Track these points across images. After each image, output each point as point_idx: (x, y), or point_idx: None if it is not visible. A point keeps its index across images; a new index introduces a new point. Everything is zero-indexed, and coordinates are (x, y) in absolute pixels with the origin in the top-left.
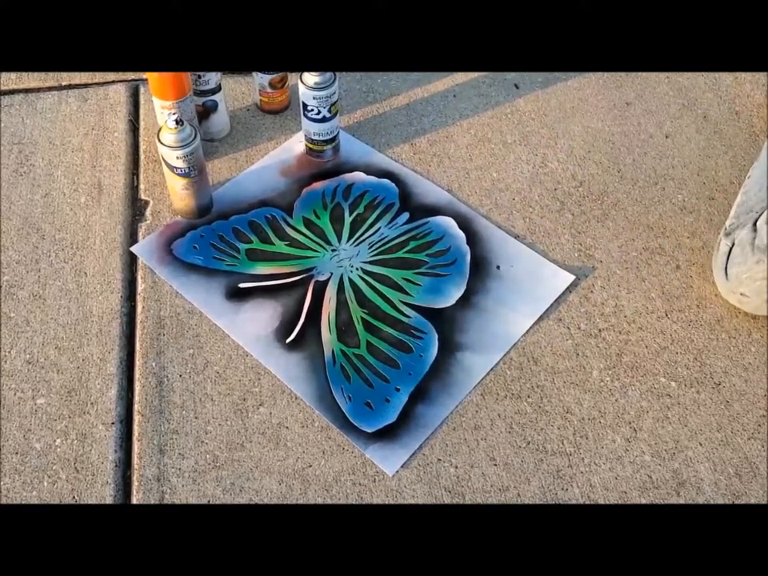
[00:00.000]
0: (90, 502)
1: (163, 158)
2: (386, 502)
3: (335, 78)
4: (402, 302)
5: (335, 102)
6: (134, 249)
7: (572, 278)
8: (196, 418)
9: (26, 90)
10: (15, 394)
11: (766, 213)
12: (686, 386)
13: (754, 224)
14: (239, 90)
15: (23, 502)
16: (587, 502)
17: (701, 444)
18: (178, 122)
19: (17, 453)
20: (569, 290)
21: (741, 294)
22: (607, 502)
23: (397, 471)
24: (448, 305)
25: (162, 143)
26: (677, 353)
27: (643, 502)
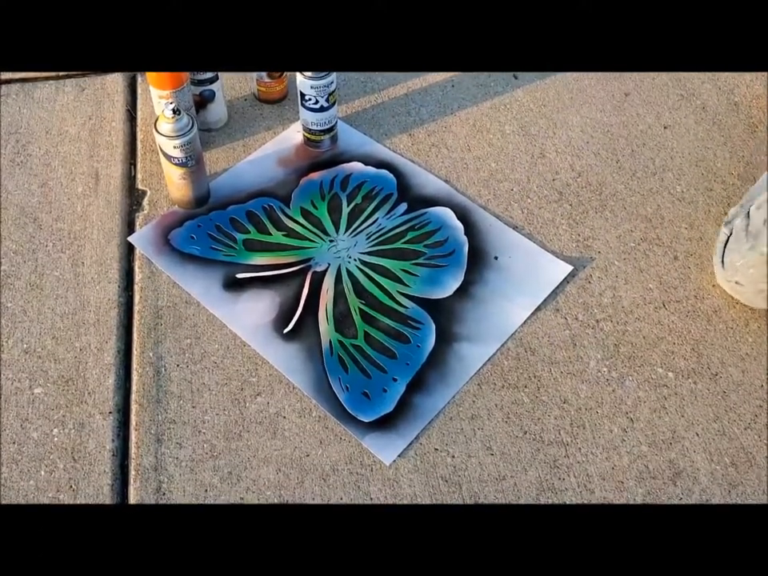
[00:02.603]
0: (87, 491)
1: (160, 148)
2: (383, 492)
3: None
4: (399, 292)
5: (333, 92)
6: (131, 239)
7: (570, 268)
8: (193, 407)
9: (23, 80)
10: (12, 384)
11: (758, 199)
12: (683, 376)
13: (748, 211)
14: (237, 80)
15: (21, 492)
16: (584, 492)
17: (697, 434)
18: (176, 111)
19: (14, 442)
20: (566, 280)
21: (735, 283)
22: (603, 492)
23: (394, 461)
24: (446, 295)
25: (159, 133)
26: (674, 343)
27: (640, 491)
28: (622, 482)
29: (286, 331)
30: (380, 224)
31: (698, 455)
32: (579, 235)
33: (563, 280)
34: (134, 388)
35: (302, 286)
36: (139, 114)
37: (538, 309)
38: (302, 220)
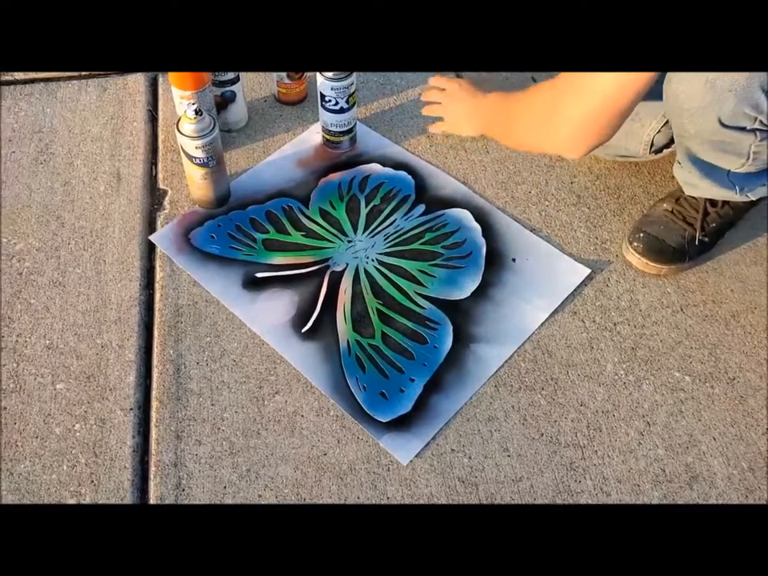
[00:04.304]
0: (108, 486)
1: (182, 148)
2: (400, 491)
3: None
4: (417, 293)
5: (353, 93)
6: (152, 237)
7: (587, 271)
8: (213, 405)
9: (47, 80)
10: (35, 379)
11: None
12: (700, 380)
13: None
14: (257, 81)
15: (43, 486)
16: (600, 494)
17: (714, 438)
18: (198, 112)
19: (37, 437)
20: (584, 283)
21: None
22: (620, 495)
23: (411, 461)
24: (463, 297)
25: (181, 133)
26: (691, 347)
27: (656, 495)
28: (638, 486)
29: (304, 330)
30: (398, 225)
31: (714, 459)
32: (597, 238)
33: (581, 283)
34: (154, 385)
35: (321, 286)
36: (160, 114)
37: (556, 311)
38: (320, 220)
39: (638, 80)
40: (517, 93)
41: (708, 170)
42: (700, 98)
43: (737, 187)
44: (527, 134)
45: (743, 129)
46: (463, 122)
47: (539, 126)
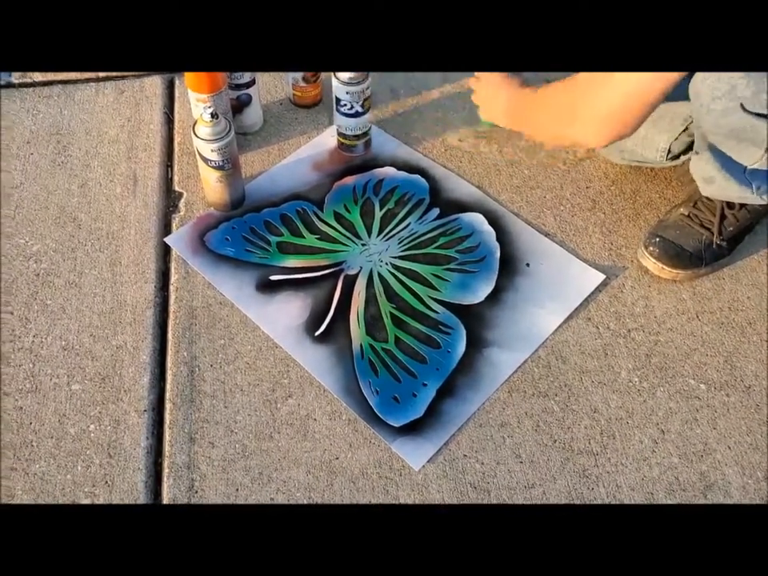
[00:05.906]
0: (122, 487)
1: (198, 151)
2: (412, 497)
3: (368, 74)
4: (430, 297)
5: (368, 98)
6: (167, 240)
7: (602, 277)
8: (226, 407)
9: (64, 82)
10: (51, 380)
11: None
12: (715, 388)
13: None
14: (272, 84)
15: (58, 486)
16: (613, 502)
17: (730, 447)
18: (214, 115)
19: (52, 437)
20: (599, 289)
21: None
22: (633, 503)
23: (423, 466)
24: (477, 301)
25: (197, 136)
26: (707, 355)
27: (669, 503)
28: (652, 494)
29: (317, 334)
30: (412, 229)
31: (729, 468)
32: (612, 244)
33: (595, 288)
34: (168, 387)
35: (334, 289)
36: (176, 116)
37: (570, 317)
38: (334, 224)
39: (667, 75)
40: (544, 86)
41: (725, 161)
42: (725, 81)
43: (753, 185)
44: (552, 124)
45: (765, 116)
46: (496, 111)
47: (565, 115)
